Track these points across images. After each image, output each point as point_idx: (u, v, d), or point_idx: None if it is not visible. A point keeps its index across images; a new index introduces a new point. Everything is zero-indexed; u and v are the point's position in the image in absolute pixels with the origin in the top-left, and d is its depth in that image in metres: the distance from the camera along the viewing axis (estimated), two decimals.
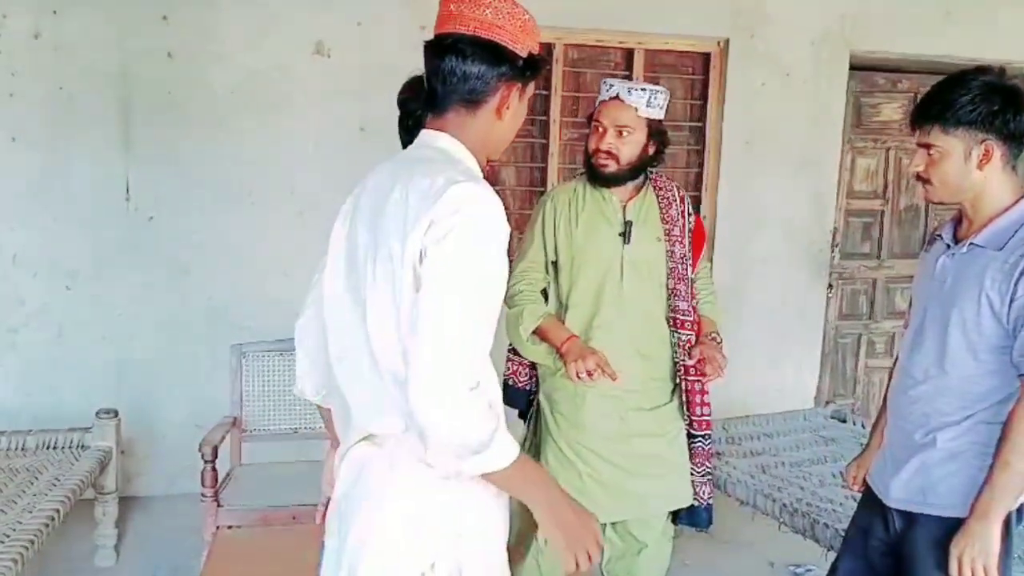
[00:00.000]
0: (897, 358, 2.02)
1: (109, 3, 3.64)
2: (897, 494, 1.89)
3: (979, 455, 1.75)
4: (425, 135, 1.49)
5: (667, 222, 2.42)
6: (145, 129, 3.75)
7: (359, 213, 1.46)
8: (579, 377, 2.25)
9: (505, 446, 1.31)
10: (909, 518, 1.87)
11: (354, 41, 3.87)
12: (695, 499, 2.46)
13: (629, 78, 4.19)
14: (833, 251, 4.70)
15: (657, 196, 2.43)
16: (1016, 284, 1.68)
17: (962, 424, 1.79)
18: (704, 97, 4.45)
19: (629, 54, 4.31)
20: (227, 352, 3.31)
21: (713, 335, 2.51)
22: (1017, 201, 1.77)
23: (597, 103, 2.39)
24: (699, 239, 2.51)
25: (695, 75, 4.46)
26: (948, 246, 1.85)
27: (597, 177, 2.37)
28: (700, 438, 2.45)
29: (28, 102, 3.63)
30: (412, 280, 1.31)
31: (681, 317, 2.42)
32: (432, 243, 1.29)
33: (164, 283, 3.83)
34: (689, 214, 2.48)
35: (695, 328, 2.43)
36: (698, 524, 2.50)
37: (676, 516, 2.52)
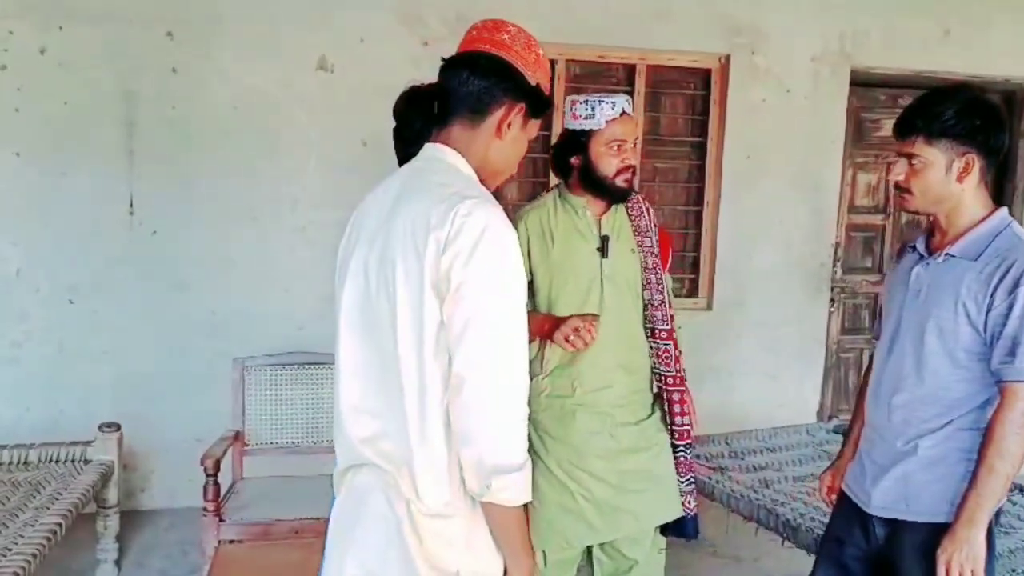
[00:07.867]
0: (870, 368, 2.06)
1: (114, 19, 3.67)
2: (880, 502, 1.90)
3: (961, 461, 1.79)
4: (431, 149, 1.52)
5: (639, 233, 2.42)
6: (149, 144, 3.77)
7: (365, 234, 1.47)
8: (568, 341, 2.21)
9: (528, 479, 1.37)
10: (893, 525, 1.89)
11: (356, 57, 3.90)
12: (683, 510, 2.43)
13: (631, 94, 4.21)
14: (835, 266, 4.71)
15: (627, 207, 2.43)
16: (993, 294, 1.73)
17: (942, 431, 1.81)
18: (705, 113, 4.47)
19: (631, 70, 4.34)
20: (229, 366, 3.31)
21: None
22: (991, 212, 1.82)
23: (603, 122, 2.31)
24: (664, 250, 2.51)
25: (696, 91, 4.48)
26: (922, 256, 1.90)
27: (622, 195, 2.36)
28: (682, 448, 2.43)
29: (33, 117, 3.66)
30: (435, 301, 1.34)
31: (658, 327, 2.41)
32: (460, 266, 1.32)
33: (166, 297, 3.84)
34: (655, 225, 2.48)
35: (671, 337, 2.42)
36: (685, 535, 2.46)
37: (664, 528, 2.50)
